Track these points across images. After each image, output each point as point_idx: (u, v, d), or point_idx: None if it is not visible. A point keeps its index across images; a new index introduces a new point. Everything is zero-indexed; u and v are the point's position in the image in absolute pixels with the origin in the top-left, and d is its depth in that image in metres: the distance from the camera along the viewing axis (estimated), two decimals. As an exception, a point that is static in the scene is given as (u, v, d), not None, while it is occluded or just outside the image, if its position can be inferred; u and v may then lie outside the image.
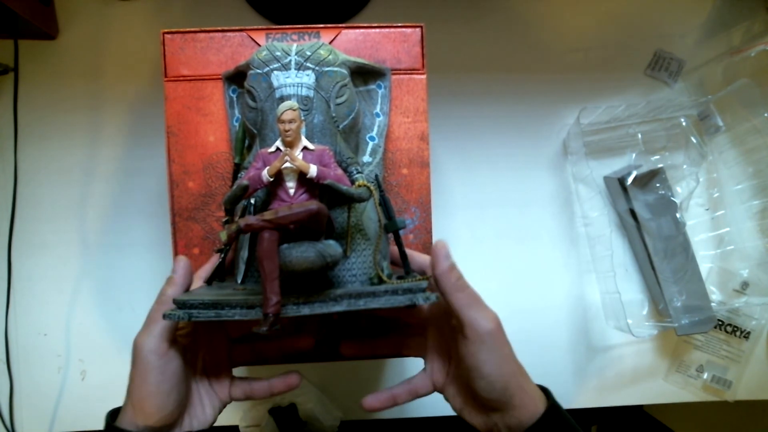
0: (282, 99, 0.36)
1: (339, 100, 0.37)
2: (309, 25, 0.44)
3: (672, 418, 0.93)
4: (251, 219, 0.30)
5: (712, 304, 0.63)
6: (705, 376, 0.66)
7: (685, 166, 0.65)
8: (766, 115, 0.62)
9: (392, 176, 0.44)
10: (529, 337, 0.64)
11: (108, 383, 0.62)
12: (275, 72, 0.36)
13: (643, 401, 0.67)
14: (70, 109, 0.63)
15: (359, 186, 0.35)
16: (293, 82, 0.36)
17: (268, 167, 0.33)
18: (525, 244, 0.65)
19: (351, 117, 0.38)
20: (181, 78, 0.44)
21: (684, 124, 0.65)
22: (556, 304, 0.65)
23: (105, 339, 0.62)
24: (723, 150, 0.67)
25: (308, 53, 0.37)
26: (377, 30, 0.44)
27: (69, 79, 0.63)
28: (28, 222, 0.62)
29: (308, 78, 0.36)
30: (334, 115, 0.37)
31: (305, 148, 0.34)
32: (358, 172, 0.37)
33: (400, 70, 0.44)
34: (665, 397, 0.67)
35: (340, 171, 0.35)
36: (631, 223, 0.64)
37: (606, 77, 0.67)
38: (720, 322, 0.66)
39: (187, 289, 0.37)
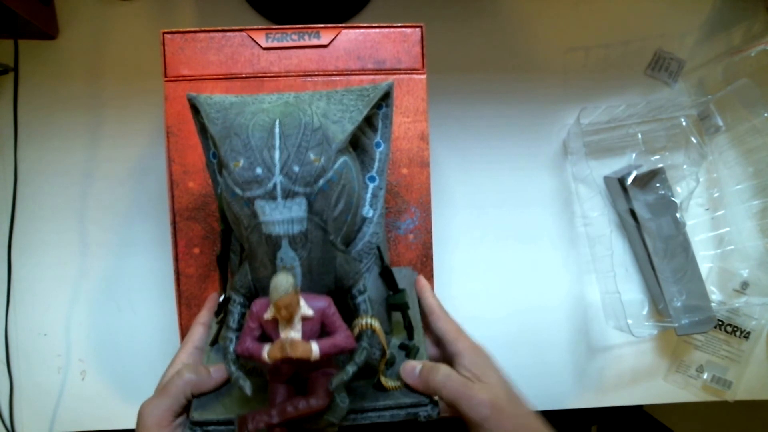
0: (270, 236, 0.29)
1: (336, 211, 0.31)
2: (309, 25, 0.44)
3: (672, 418, 0.93)
4: (260, 424, 0.29)
5: (712, 304, 0.63)
6: (705, 376, 0.66)
7: (685, 166, 0.65)
8: (766, 115, 0.62)
9: (392, 176, 0.44)
10: (529, 337, 0.64)
11: (108, 383, 0.62)
12: (258, 201, 0.29)
13: (643, 401, 0.67)
14: (70, 109, 0.63)
15: (362, 329, 0.31)
16: (282, 218, 0.29)
17: (266, 349, 0.30)
18: (525, 244, 0.65)
19: (350, 215, 0.33)
20: (181, 78, 0.43)
21: (684, 124, 0.65)
22: (556, 304, 0.65)
23: (105, 339, 0.62)
24: (723, 150, 0.67)
25: (296, 169, 0.29)
26: (377, 30, 0.44)
27: (69, 79, 0.63)
28: (28, 222, 0.62)
29: (299, 208, 0.29)
30: (332, 237, 0.31)
31: (304, 317, 0.29)
32: (361, 293, 0.33)
33: (400, 70, 0.44)
34: (665, 397, 0.67)
35: (342, 331, 0.31)
36: (631, 223, 0.64)
37: (606, 77, 0.67)
38: (720, 322, 0.66)
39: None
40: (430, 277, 0.44)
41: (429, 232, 0.45)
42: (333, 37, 0.44)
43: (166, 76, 0.44)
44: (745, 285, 0.66)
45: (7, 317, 0.61)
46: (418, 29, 0.45)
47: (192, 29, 0.44)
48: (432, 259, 0.45)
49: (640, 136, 0.65)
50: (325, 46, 0.44)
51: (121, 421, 0.61)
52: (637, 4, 0.67)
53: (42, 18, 0.59)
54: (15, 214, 0.61)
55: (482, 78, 0.66)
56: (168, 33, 0.44)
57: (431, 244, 0.45)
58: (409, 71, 0.44)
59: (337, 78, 0.44)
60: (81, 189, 0.63)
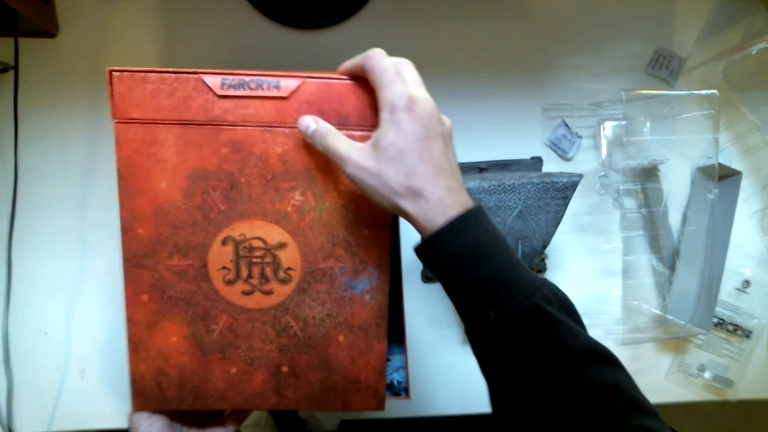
0: None
1: None
2: (268, 72, 0.40)
3: (673, 418, 0.93)
4: None
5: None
6: (706, 375, 0.65)
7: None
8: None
9: (352, 235, 0.42)
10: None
11: (107, 382, 0.61)
12: None
13: (644, 400, 0.67)
14: (71, 108, 0.61)
15: None
16: None
17: None
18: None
19: None
20: (133, 121, 0.40)
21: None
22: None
23: (105, 338, 0.61)
24: (723, 147, 0.66)
25: None
26: (342, 82, 0.40)
27: (69, 77, 0.61)
28: (29, 220, 0.61)
29: None
30: None
31: None
32: None
33: (365, 126, 0.40)
34: (666, 396, 0.66)
35: None
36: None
37: (606, 76, 0.66)
38: (721, 321, 0.66)
39: None
40: (383, 337, 0.43)
41: (386, 294, 0.42)
42: (294, 87, 0.40)
43: (115, 118, 0.40)
44: (746, 284, 0.66)
45: (7, 315, 0.60)
46: None
47: (141, 69, 0.40)
48: (387, 320, 0.43)
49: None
50: (285, 98, 0.40)
51: (121, 420, 0.61)
52: (637, 2, 0.67)
53: (42, 16, 0.58)
54: (15, 212, 0.60)
55: (482, 77, 0.64)
56: (115, 71, 0.39)
57: (387, 305, 0.42)
58: (375, 129, 0.38)
59: (298, 130, 0.40)
60: (81, 187, 0.62)
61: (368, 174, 0.35)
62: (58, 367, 0.61)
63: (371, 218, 0.42)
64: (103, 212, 0.62)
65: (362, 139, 0.38)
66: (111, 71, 0.40)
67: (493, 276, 0.34)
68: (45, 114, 0.62)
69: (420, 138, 0.34)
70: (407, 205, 0.34)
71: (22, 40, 0.60)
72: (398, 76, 0.35)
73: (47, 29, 0.59)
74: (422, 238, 0.35)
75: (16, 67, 0.61)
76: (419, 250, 0.36)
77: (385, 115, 0.35)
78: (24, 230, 0.61)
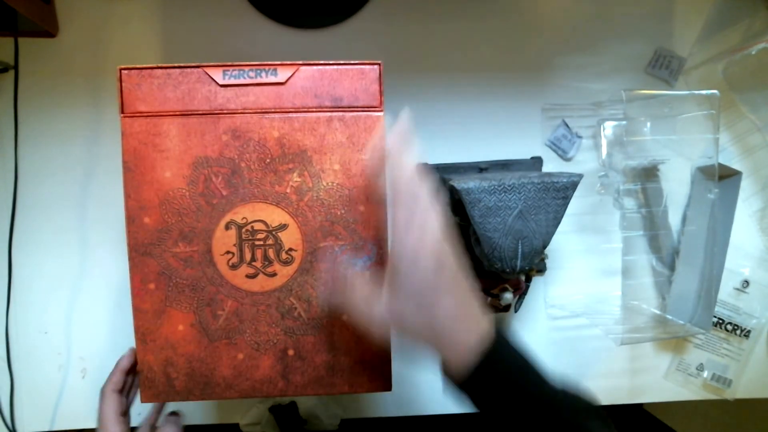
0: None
1: None
2: (266, 63, 0.43)
3: (672, 417, 0.93)
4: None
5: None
6: (705, 374, 0.66)
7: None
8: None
9: (349, 213, 0.44)
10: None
11: (108, 381, 0.62)
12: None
13: (643, 400, 0.67)
14: (71, 107, 0.62)
15: None
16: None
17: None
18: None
19: None
20: (138, 114, 0.43)
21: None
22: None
23: (105, 337, 0.62)
24: (722, 147, 0.67)
25: (525, 268, 0.51)
26: (335, 67, 0.43)
27: (69, 77, 0.62)
28: (29, 220, 0.61)
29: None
30: None
31: None
32: None
33: (357, 107, 0.43)
34: (665, 396, 0.66)
35: None
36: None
37: (606, 76, 0.66)
38: (720, 321, 0.66)
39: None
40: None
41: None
42: (290, 74, 0.43)
43: (122, 112, 0.43)
44: (745, 283, 0.66)
45: (8, 315, 0.61)
46: (376, 66, 0.43)
47: (149, 66, 0.43)
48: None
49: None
50: (282, 84, 0.43)
51: (122, 419, 0.61)
52: (637, 2, 0.67)
53: (42, 16, 0.58)
54: (15, 212, 0.60)
55: (482, 77, 0.64)
56: (125, 69, 0.43)
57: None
58: (366, 109, 0.43)
59: (294, 115, 0.43)
60: (82, 187, 0.62)
61: (390, 318, 0.37)
62: (59, 366, 0.62)
63: (366, 194, 0.44)
64: (103, 211, 0.62)
65: (354, 119, 0.43)
66: (121, 69, 0.43)
67: (524, 404, 0.35)
68: (45, 114, 0.62)
69: (430, 273, 0.35)
70: (430, 339, 0.37)
71: (22, 40, 0.61)
72: (414, 203, 0.36)
73: (47, 29, 0.59)
74: (450, 379, 0.37)
75: (16, 67, 0.61)
76: (448, 388, 0.38)
77: (395, 242, 0.36)
78: (24, 230, 0.61)
